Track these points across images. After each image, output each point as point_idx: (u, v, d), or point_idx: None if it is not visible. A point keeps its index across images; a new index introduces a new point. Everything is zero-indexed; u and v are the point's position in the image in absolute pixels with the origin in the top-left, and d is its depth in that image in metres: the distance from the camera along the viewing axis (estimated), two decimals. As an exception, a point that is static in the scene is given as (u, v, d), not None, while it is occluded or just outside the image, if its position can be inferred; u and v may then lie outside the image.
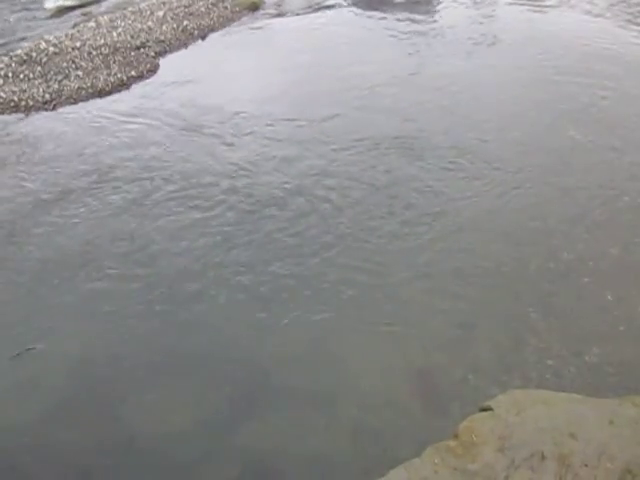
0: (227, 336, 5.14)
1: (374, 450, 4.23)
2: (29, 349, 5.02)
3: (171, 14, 11.12)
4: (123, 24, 10.67)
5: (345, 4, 12.07)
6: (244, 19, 11.44)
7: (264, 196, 6.67)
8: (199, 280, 5.64)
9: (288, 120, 8.09)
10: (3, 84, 8.94)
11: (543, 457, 3.66)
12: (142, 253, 5.96)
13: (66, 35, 10.29)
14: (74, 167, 7.26)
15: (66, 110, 8.51)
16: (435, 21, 11.30)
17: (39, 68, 9.28)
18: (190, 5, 11.52)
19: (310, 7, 11.89)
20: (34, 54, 9.55)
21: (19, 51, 9.68)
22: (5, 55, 9.73)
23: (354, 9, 11.88)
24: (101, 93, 8.87)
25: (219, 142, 7.69)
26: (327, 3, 12.09)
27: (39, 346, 5.06)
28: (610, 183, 6.77)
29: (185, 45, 10.44)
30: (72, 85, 8.94)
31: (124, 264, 5.82)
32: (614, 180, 6.82)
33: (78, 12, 11.79)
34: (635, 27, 10.82)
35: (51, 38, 10.09)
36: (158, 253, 5.96)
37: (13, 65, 9.33)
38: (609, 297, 5.35)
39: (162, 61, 9.87)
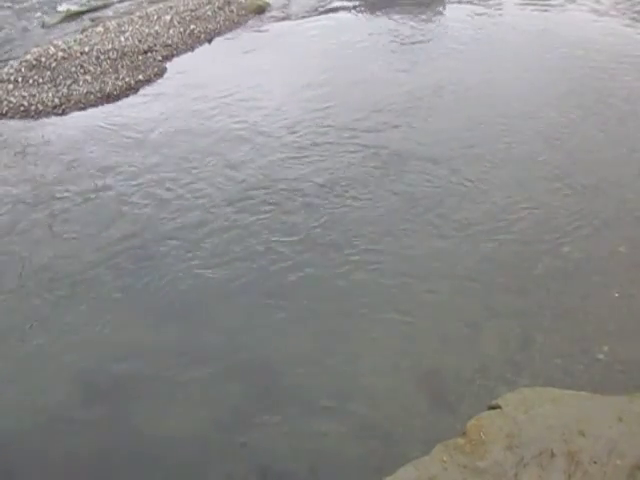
0: (233, 333, 5.18)
1: (383, 448, 4.25)
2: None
3: (178, 18, 11.20)
4: (131, 29, 10.75)
5: (351, 7, 12.10)
6: (250, 22, 11.50)
7: (276, 196, 6.71)
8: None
9: (299, 121, 8.12)
10: (13, 89, 9.04)
11: (552, 454, 3.67)
12: (149, 253, 6.01)
13: (75, 40, 10.38)
14: (84, 171, 7.33)
15: (75, 114, 8.59)
16: (443, 22, 11.31)
17: (48, 73, 9.37)
18: (197, 9, 11.60)
19: (316, 10, 11.93)
20: (43, 59, 9.63)
21: (28, 56, 9.77)
22: (15, 60, 9.83)
23: (361, 12, 11.91)
24: (109, 97, 8.95)
25: (227, 144, 7.74)
26: (333, 6, 12.12)
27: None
28: (619, 180, 6.76)
29: (192, 49, 10.51)
30: (81, 89, 9.02)
31: (128, 266, 5.87)
32: (623, 177, 6.81)
33: (86, 17, 11.90)
34: (642, 25, 10.80)
35: (60, 43, 10.19)
36: (164, 255, 6.01)
37: (23, 70, 9.42)
38: (617, 295, 5.34)
39: (169, 65, 9.94)
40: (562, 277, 5.57)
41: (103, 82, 9.21)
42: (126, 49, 10.05)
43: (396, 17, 11.54)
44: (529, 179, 6.85)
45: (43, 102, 8.74)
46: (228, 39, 10.91)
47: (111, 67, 9.60)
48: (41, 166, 7.46)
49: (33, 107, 8.67)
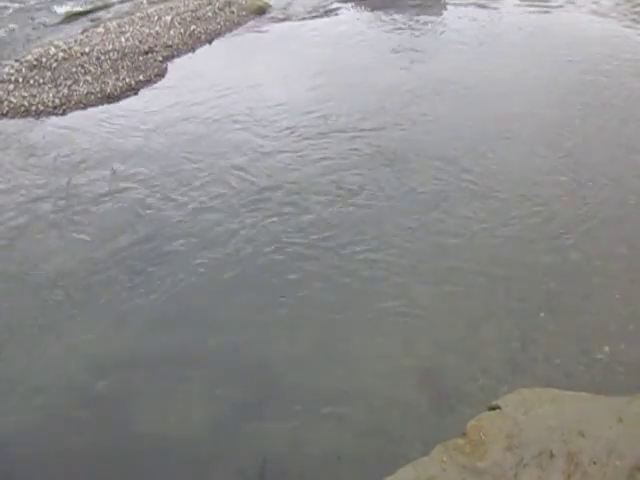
0: (234, 333, 5.19)
1: (383, 449, 4.25)
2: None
3: (178, 19, 11.22)
4: (131, 29, 10.77)
5: (351, 8, 12.12)
6: (250, 23, 11.51)
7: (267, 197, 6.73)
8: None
9: (301, 120, 8.12)
10: (14, 89, 9.05)
11: (552, 455, 3.66)
12: (149, 257, 6.01)
13: (75, 40, 10.40)
14: (84, 172, 7.33)
15: (76, 115, 8.60)
16: (443, 23, 11.32)
17: (49, 73, 9.38)
18: (197, 10, 11.62)
19: (316, 11, 11.94)
20: (44, 59, 9.65)
21: (29, 56, 9.79)
22: (16, 60, 9.85)
23: (361, 13, 11.93)
24: (110, 98, 8.96)
25: (229, 144, 7.75)
26: (333, 7, 12.14)
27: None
28: (618, 181, 6.76)
29: (192, 49, 10.52)
30: (81, 90, 9.03)
31: (132, 270, 5.87)
32: (622, 178, 6.81)
33: (87, 18, 11.92)
34: (642, 27, 10.80)
35: (60, 43, 10.21)
36: (165, 256, 6.01)
37: (23, 70, 9.44)
38: (617, 296, 5.34)
39: (170, 65, 9.95)
40: (563, 278, 5.57)
41: (104, 82, 9.22)
42: (127, 50, 10.06)
43: (396, 18, 11.55)
44: (529, 180, 6.85)
45: (44, 102, 8.75)
46: (229, 40, 10.92)
47: (112, 68, 9.61)
48: (43, 166, 7.46)
49: (34, 107, 8.67)
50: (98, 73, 9.46)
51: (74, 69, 9.49)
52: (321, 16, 11.73)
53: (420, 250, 5.93)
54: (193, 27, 11.01)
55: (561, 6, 11.88)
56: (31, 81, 9.21)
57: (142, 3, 12.42)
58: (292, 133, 7.88)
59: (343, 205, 6.54)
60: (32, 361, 5.02)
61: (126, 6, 12.37)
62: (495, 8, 11.84)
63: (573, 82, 8.88)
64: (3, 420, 4.58)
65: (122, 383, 4.81)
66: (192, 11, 11.55)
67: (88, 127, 8.26)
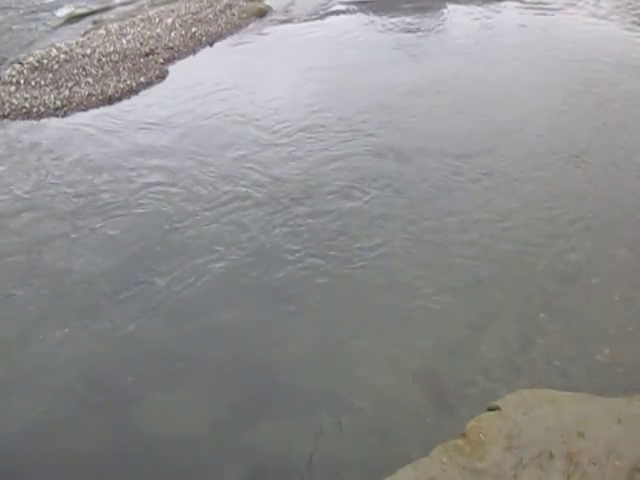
0: (234, 333, 5.20)
1: (383, 449, 4.25)
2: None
3: (179, 21, 11.25)
4: (132, 31, 10.80)
5: (352, 10, 12.15)
6: (251, 25, 11.54)
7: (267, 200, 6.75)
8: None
9: (302, 121, 8.15)
10: (15, 91, 9.07)
11: (551, 456, 3.67)
12: (149, 258, 6.03)
13: (76, 42, 10.43)
14: (85, 174, 7.35)
15: (77, 116, 8.63)
16: (443, 26, 11.36)
17: (50, 75, 9.41)
18: (198, 12, 11.65)
19: (317, 13, 11.97)
20: (45, 61, 9.69)
21: (31, 58, 9.82)
22: (17, 62, 9.88)
23: (362, 15, 11.95)
24: (111, 99, 8.98)
25: (230, 144, 7.77)
26: (334, 9, 12.17)
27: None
28: (618, 184, 6.79)
29: (193, 52, 10.55)
30: (82, 92, 9.06)
31: (128, 276, 5.89)
32: (622, 180, 6.84)
33: (88, 20, 11.96)
34: (641, 29, 10.83)
35: (62, 45, 10.24)
36: (170, 257, 6.04)
37: (25, 72, 9.47)
38: (616, 298, 5.35)
39: (171, 67, 9.98)
40: (562, 280, 5.58)
41: (105, 84, 9.25)
42: (128, 51, 10.09)
43: (397, 19, 11.59)
44: (529, 182, 6.87)
45: (45, 104, 8.78)
46: (230, 42, 10.95)
47: (113, 69, 9.63)
48: (45, 166, 7.47)
49: (35, 109, 8.69)
50: (99, 75, 9.48)
51: (75, 71, 9.52)
52: (321, 18, 11.76)
53: (420, 250, 5.94)
54: (194, 29, 11.04)
55: (562, 8, 11.91)
56: (32, 83, 9.23)
57: (143, 5, 12.47)
58: (294, 132, 7.91)
59: (345, 206, 6.56)
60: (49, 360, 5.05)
61: (127, 8, 12.41)
62: (495, 10, 11.87)
63: (573, 84, 8.90)
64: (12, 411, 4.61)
65: (121, 377, 4.83)
66: (193, 13, 11.58)
67: (89, 128, 8.28)
